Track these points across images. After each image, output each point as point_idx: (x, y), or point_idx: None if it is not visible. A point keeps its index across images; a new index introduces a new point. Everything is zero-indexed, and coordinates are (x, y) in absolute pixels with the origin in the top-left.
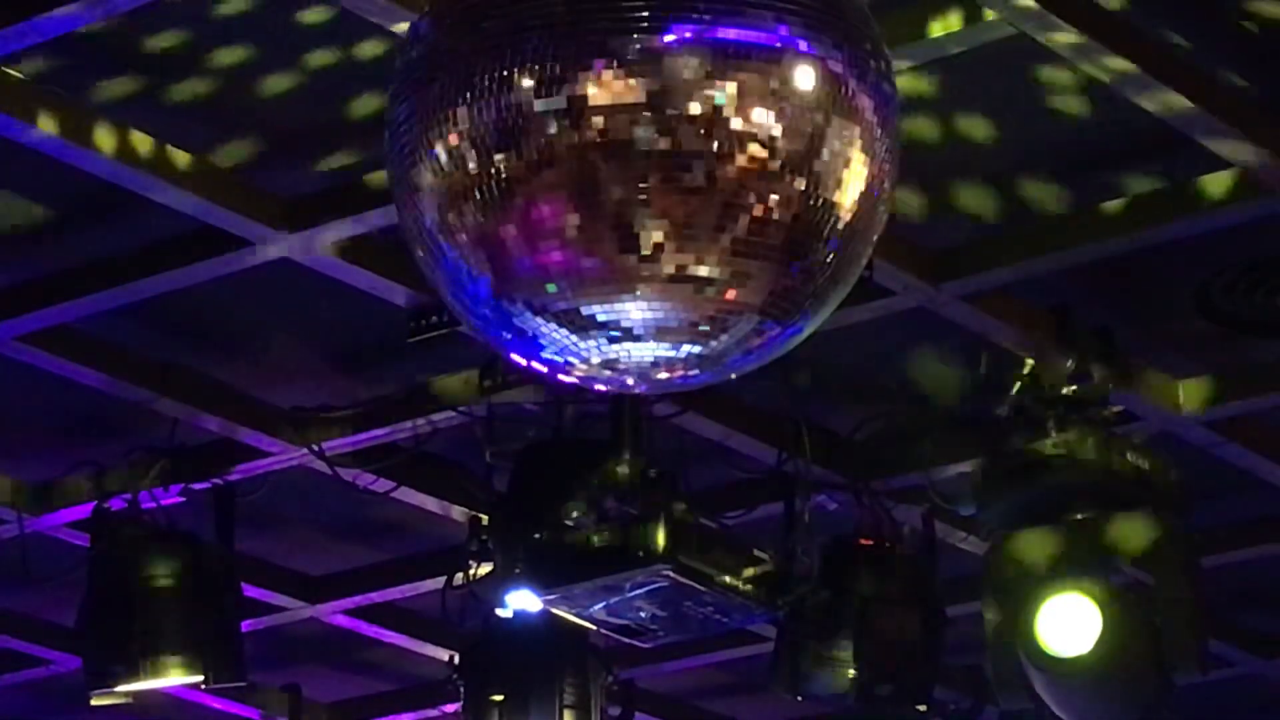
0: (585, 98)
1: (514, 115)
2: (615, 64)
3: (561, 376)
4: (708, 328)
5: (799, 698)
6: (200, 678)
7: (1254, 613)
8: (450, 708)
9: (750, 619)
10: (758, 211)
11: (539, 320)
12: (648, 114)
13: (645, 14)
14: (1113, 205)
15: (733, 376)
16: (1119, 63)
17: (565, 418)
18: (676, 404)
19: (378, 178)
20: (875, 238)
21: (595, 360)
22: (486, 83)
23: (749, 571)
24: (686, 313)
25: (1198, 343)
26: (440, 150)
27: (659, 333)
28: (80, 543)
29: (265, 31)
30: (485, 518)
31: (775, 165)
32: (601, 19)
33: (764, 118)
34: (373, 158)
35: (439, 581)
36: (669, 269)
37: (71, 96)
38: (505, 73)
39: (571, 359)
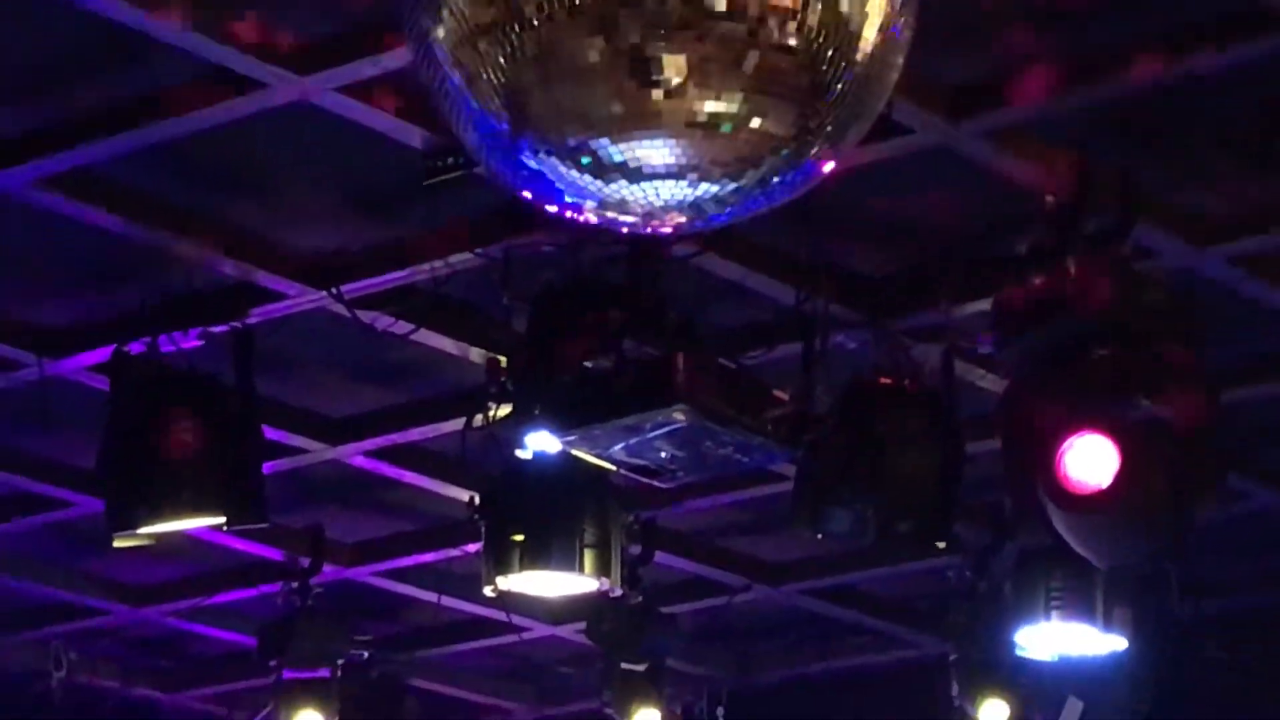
0: None
1: None
2: None
3: (580, 217)
4: (726, 166)
5: (819, 535)
6: (221, 519)
7: (1272, 448)
8: (472, 547)
9: (770, 458)
10: (776, 46)
11: (557, 160)
12: None
13: None
14: (1133, 43)
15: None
16: None
17: (583, 259)
18: (695, 245)
19: (393, 19)
20: (895, 74)
21: (613, 201)
22: None
23: (768, 411)
24: (705, 151)
25: (1220, 178)
26: None
27: (678, 171)
28: (100, 386)
29: None
30: (504, 359)
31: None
32: None
33: None
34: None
35: (459, 423)
36: (688, 106)
37: None
38: None
39: (590, 200)
